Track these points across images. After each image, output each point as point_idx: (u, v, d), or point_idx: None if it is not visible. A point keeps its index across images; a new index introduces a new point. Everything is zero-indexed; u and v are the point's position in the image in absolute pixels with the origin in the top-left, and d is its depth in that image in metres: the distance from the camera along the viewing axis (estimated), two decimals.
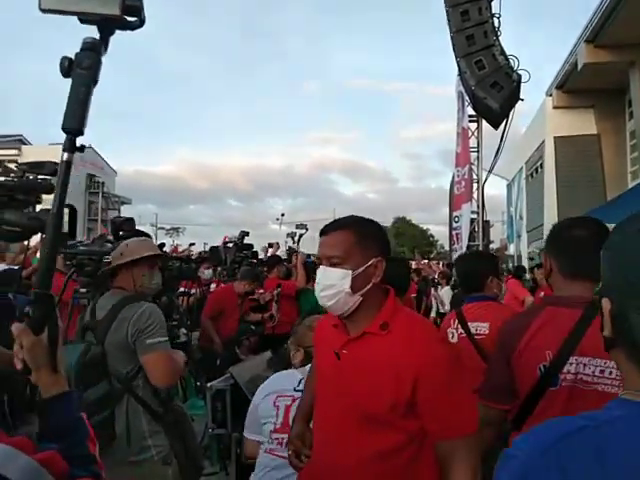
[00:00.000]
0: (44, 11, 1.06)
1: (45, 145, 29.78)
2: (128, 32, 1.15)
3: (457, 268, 3.10)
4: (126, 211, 41.21)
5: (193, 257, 6.92)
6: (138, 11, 1.09)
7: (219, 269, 7.01)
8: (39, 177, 1.74)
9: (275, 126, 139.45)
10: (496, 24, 6.53)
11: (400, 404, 1.39)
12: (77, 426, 1.08)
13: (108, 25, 1.09)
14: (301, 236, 7.63)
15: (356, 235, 1.47)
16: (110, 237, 3.04)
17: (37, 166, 1.74)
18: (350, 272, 1.43)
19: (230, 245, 6.79)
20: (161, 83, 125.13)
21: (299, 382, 2.14)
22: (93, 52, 1.09)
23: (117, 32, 1.13)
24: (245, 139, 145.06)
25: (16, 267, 4.26)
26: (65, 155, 1.13)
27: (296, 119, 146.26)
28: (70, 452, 1.00)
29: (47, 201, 1.43)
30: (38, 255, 5.29)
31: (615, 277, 0.75)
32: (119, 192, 45.02)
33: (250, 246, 6.82)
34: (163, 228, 46.41)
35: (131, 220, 2.92)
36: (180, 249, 9.69)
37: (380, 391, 1.40)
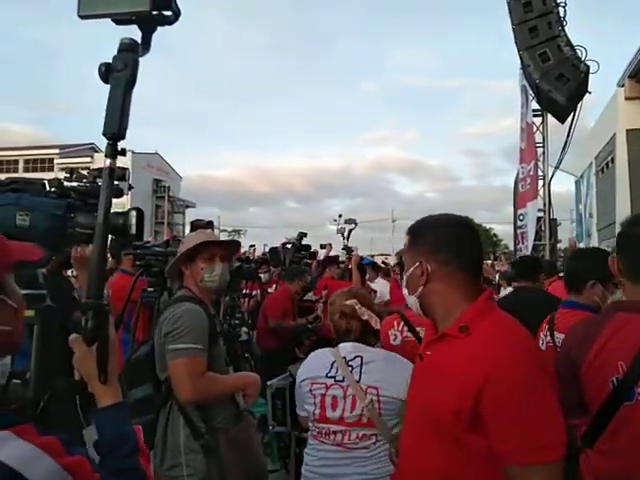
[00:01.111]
0: (82, 17, 1.08)
1: None
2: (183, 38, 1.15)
3: (565, 265, 2.80)
4: (191, 214, 42.66)
5: (253, 258, 7.06)
6: (168, 3, 1.07)
7: (278, 269, 7.11)
8: None
9: (332, 127, 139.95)
10: (561, 14, 6.26)
11: (464, 411, 1.25)
12: (126, 439, 1.04)
13: (146, 22, 1.07)
14: (350, 231, 7.53)
15: (409, 238, 1.50)
16: (182, 238, 3.16)
17: None
18: (405, 275, 1.48)
19: (289, 246, 6.87)
20: (218, 87, 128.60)
21: (331, 366, 2.13)
22: (128, 52, 1.06)
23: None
24: (302, 141, 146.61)
25: None
26: (107, 161, 1.09)
27: (353, 120, 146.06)
28: (118, 465, 0.99)
29: (116, 204, 1.50)
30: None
31: None
32: (184, 196, 46.69)
33: (308, 247, 6.89)
34: (225, 230, 47.73)
35: (211, 223, 3.03)
36: (242, 251, 9.87)
37: (446, 396, 1.30)
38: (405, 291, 1.49)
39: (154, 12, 1.07)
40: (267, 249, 9.30)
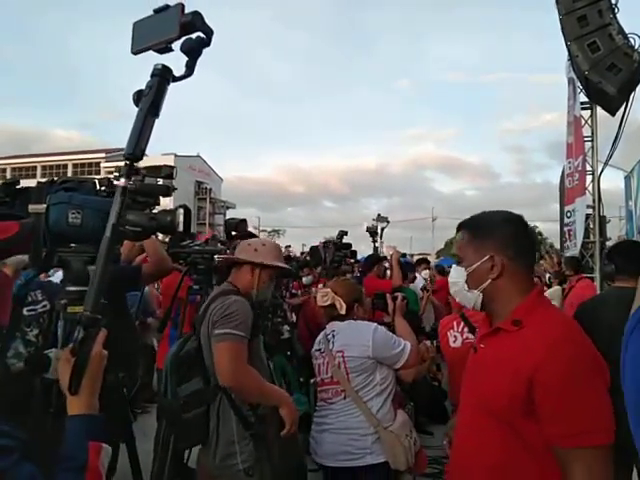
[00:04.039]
0: (135, 53, 1.17)
1: (157, 155, 32.10)
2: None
3: None
4: (231, 215, 43.29)
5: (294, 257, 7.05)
6: (194, 25, 1.11)
7: (319, 269, 7.07)
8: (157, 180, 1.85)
9: (369, 126, 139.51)
10: (613, 0, 5.99)
11: (518, 396, 1.28)
12: (76, 454, 1.02)
13: (190, 47, 1.13)
14: (383, 229, 7.33)
15: (470, 233, 1.51)
16: (221, 238, 3.19)
17: (155, 170, 1.87)
18: (464, 269, 1.48)
19: (329, 245, 6.83)
20: (256, 89, 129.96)
21: (319, 342, 2.73)
22: (154, 77, 1.11)
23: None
24: (339, 141, 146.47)
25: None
26: (122, 180, 1.13)
27: (390, 117, 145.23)
28: (61, 477, 0.98)
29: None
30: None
31: None
32: (224, 197, 47.46)
33: (349, 245, 6.82)
34: (265, 231, 48.11)
35: (244, 221, 3.05)
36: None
37: (501, 382, 1.34)
38: (463, 286, 1.48)
39: (184, 37, 1.13)
40: (305, 249, 9.29)
